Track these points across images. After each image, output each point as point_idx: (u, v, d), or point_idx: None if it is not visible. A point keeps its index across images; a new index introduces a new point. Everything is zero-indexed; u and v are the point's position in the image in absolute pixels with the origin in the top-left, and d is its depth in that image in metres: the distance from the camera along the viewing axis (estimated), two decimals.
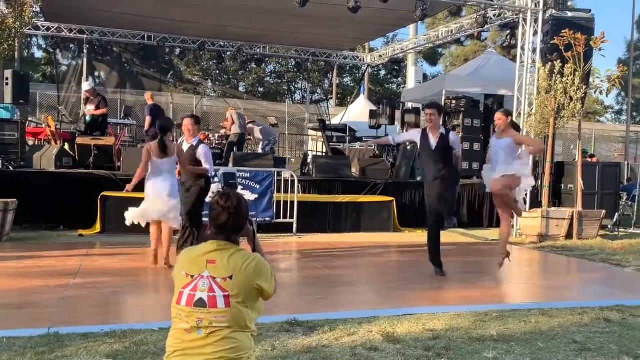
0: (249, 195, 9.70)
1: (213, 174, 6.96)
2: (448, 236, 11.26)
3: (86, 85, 13.14)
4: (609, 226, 12.19)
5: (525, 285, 7.14)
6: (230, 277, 2.50)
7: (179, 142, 7.50)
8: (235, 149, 13.46)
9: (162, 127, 7.18)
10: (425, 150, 7.18)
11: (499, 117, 7.37)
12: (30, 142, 13.35)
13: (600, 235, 11.04)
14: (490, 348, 4.39)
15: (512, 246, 10.24)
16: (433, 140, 7.08)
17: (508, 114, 7.49)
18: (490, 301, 6.00)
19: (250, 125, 14.73)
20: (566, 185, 12.22)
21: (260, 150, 14.64)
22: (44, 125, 13.97)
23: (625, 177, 17.30)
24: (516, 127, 7.62)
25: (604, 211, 11.35)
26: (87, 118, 12.76)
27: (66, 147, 12.22)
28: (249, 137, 14.91)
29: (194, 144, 7.07)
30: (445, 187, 7.05)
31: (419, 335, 4.62)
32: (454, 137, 7.30)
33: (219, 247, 2.57)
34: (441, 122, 7.30)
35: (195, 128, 7.14)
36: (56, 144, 12.55)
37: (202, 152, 7.04)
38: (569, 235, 10.68)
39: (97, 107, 12.64)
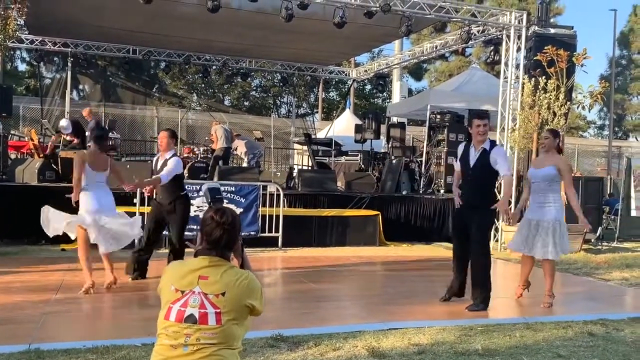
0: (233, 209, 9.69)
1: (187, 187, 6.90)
2: (433, 250, 11.29)
3: (66, 127, 12.58)
4: (593, 240, 12.29)
5: (510, 300, 7.15)
6: (223, 294, 2.46)
7: (154, 158, 7.32)
8: (220, 162, 13.42)
9: (100, 137, 6.84)
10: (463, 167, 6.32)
11: (546, 136, 6.45)
12: (13, 156, 13.22)
13: (583, 249, 11.13)
14: None
15: (497, 260, 10.29)
16: (473, 156, 6.24)
17: (556, 134, 6.49)
18: (476, 315, 6.00)
19: (235, 140, 14.73)
20: None
21: (245, 164, 14.62)
22: (26, 138, 13.84)
23: (608, 192, 17.50)
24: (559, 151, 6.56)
25: None
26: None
27: (49, 160, 12.10)
28: (235, 151, 14.89)
29: (167, 157, 6.92)
30: (477, 220, 6.08)
31: (405, 350, 4.61)
32: (497, 151, 6.11)
33: (212, 263, 2.54)
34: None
35: (169, 141, 6.98)
36: (39, 157, 12.43)
37: (169, 164, 6.81)
38: None
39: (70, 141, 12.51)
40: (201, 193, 8.74)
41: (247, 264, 2.78)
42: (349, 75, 20.62)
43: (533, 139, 11.22)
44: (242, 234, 2.80)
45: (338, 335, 4.94)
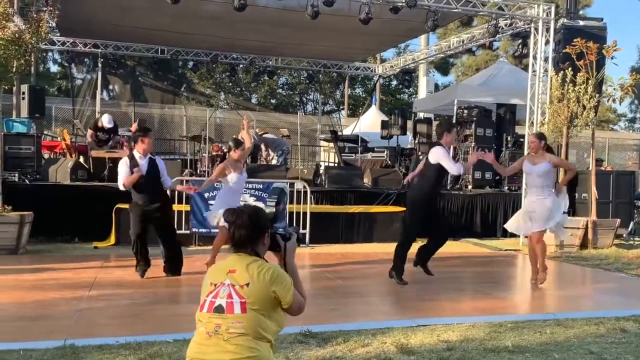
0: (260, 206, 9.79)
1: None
2: (461, 246, 11.22)
3: (108, 121, 12.78)
4: (624, 235, 12.08)
5: (540, 296, 7.09)
6: (247, 285, 2.61)
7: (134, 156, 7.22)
8: (248, 160, 13.50)
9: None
10: None
11: (532, 140, 7.41)
12: (46, 156, 13.48)
13: (615, 244, 10.95)
14: (505, 359, 4.37)
15: (526, 257, 10.19)
16: None
17: (541, 137, 7.42)
18: (505, 312, 5.97)
19: (262, 137, 14.82)
20: (580, 194, 12.14)
21: (274, 162, 14.68)
22: (59, 138, 14.12)
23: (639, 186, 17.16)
24: (550, 150, 7.53)
25: (618, 220, 11.25)
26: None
27: (81, 160, 12.34)
28: (262, 150, 14.95)
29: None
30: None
31: (434, 347, 4.60)
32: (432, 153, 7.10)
33: (239, 257, 2.71)
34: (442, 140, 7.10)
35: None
36: (71, 157, 12.68)
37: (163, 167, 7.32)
38: (583, 245, 10.59)
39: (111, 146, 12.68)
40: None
41: (290, 266, 2.84)
42: (374, 71, 20.56)
43: (563, 133, 11.07)
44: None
45: (367, 331, 4.95)
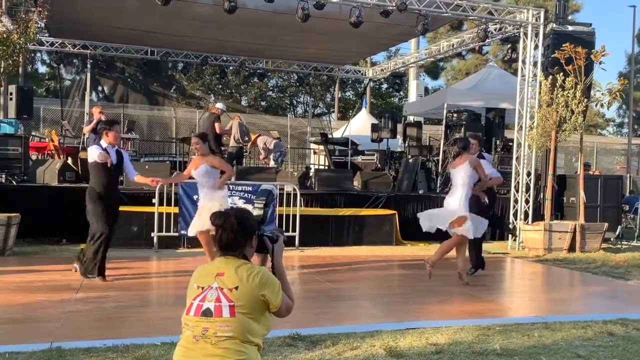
0: (249, 209, 9.77)
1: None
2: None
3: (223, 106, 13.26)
4: (612, 239, 12.16)
5: (529, 299, 7.11)
6: (237, 288, 2.58)
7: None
8: (235, 161, 13.47)
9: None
10: None
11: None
12: (34, 157, 13.40)
13: (603, 248, 11.02)
14: None
15: (515, 259, 10.24)
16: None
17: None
18: (494, 315, 5.98)
19: (260, 137, 14.82)
20: (568, 198, 12.21)
21: (272, 163, 14.65)
22: (47, 139, 14.03)
23: (628, 190, 17.31)
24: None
25: (606, 224, 11.32)
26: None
27: (69, 161, 12.27)
28: (264, 145, 14.91)
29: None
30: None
31: (422, 350, 4.61)
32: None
33: (227, 260, 2.68)
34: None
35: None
36: (59, 158, 12.60)
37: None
38: (571, 249, 10.65)
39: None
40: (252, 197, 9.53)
41: (278, 267, 2.82)
42: (365, 75, 20.59)
43: (551, 137, 11.13)
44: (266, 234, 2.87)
45: (355, 334, 4.95)
